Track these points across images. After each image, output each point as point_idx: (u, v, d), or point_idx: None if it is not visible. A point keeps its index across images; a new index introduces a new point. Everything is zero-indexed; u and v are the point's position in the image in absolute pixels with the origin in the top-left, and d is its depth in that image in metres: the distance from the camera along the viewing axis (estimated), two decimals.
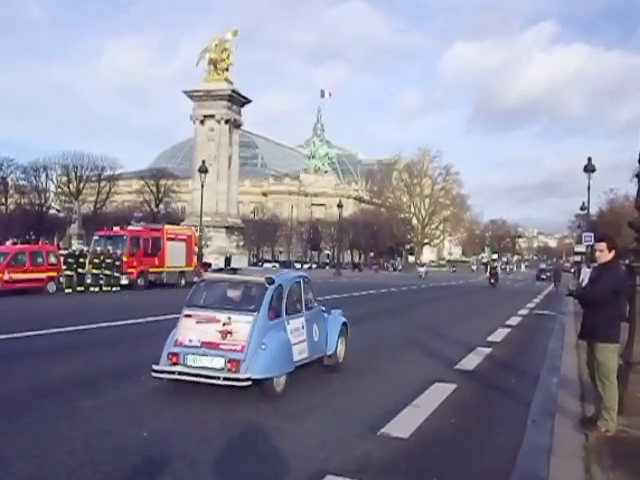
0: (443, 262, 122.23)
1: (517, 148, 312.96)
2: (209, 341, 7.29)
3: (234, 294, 8.06)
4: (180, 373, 7.27)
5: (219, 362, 7.17)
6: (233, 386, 7.01)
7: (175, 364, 7.35)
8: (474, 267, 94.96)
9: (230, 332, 7.28)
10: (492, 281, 44.56)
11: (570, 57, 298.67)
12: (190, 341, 7.39)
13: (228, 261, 41.18)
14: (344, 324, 9.77)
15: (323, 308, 9.55)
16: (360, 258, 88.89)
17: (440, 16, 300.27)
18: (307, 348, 8.36)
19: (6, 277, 21.44)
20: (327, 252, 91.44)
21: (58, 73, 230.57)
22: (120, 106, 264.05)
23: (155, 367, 7.47)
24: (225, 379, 7.03)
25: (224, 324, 7.33)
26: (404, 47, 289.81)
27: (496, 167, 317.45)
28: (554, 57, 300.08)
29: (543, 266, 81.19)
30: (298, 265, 79.36)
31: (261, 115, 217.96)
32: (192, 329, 7.46)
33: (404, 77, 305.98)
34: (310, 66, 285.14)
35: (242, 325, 7.31)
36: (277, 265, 78.75)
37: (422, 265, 68.26)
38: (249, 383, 7.02)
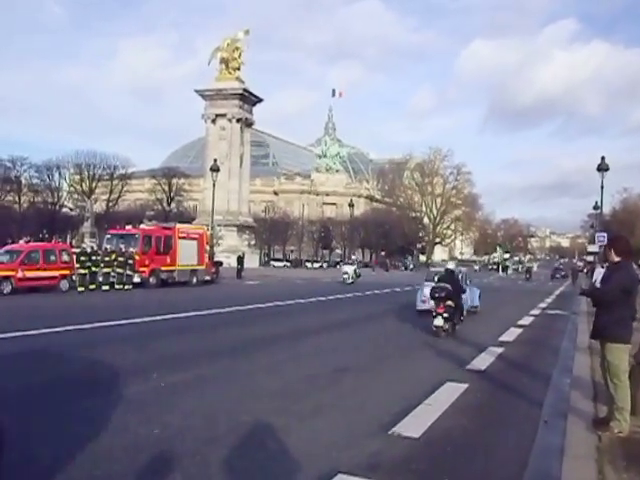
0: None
1: (531, 147, 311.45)
2: None
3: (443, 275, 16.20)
4: (429, 308, 15.24)
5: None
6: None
7: (424, 302, 16.87)
8: (476, 267, 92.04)
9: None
10: (527, 276, 57.50)
11: (589, 55, 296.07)
12: (429, 295, 15.24)
13: (241, 260, 41.10)
14: (480, 294, 20.16)
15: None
16: (371, 257, 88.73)
17: (458, 15, 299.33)
18: (471, 302, 18.35)
19: (20, 275, 21.58)
20: (338, 251, 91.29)
21: (71, 73, 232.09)
22: (133, 106, 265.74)
23: (417, 307, 18.25)
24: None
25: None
26: (419, 46, 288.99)
27: (509, 166, 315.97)
28: (573, 55, 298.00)
29: (558, 265, 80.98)
30: (309, 264, 79.35)
31: (276, 114, 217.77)
32: (429, 290, 15.23)
33: (419, 76, 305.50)
34: (324, 65, 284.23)
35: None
36: (289, 265, 78.87)
37: (350, 263, 43.19)
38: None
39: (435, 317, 13.74)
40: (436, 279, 15.55)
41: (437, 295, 14.01)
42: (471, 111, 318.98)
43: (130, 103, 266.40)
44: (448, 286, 14.03)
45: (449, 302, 13.84)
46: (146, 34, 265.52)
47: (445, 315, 13.68)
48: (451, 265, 15.92)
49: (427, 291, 16.51)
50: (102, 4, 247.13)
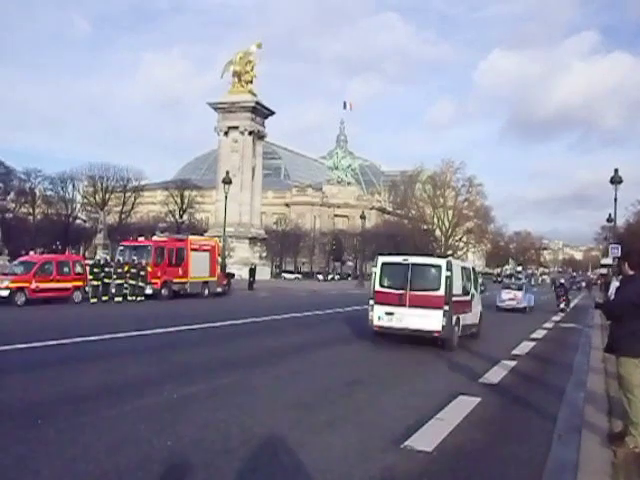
0: None
1: (549, 160, 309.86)
2: (510, 297, 30.03)
3: (513, 284, 34.52)
4: (505, 306, 29.47)
5: (514, 303, 29.66)
6: (517, 310, 28.83)
7: (503, 302, 29.80)
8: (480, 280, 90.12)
9: (516, 295, 30.05)
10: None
11: (610, 67, 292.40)
12: (504, 298, 30.18)
13: (253, 272, 41.21)
14: (534, 298, 32.57)
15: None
16: None
17: (475, 26, 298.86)
18: (529, 301, 30.58)
19: (33, 286, 21.76)
20: (350, 263, 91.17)
21: (92, 86, 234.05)
22: (152, 118, 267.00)
23: (498, 305, 29.42)
24: (518, 306, 29.37)
25: (515, 293, 30.39)
26: (437, 58, 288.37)
27: (527, 179, 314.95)
28: (594, 67, 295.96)
29: (576, 277, 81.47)
30: (320, 276, 79.34)
31: (291, 126, 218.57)
32: (505, 294, 30.43)
33: (437, 88, 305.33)
34: (341, 78, 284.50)
35: (519, 294, 30.25)
36: (300, 277, 78.85)
37: None
38: (524, 307, 29.34)
39: (559, 304, 30.80)
40: (554, 287, 34.32)
41: (559, 294, 31.60)
42: (489, 123, 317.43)
43: (149, 116, 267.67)
44: (562, 290, 31.74)
45: (564, 297, 31.18)
46: (169, 47, 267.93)
47: (564, 303, 30.89)
48: (562, 280, 34.35)
49: (503, 295, 29.96)
50: (127, 18, 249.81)
